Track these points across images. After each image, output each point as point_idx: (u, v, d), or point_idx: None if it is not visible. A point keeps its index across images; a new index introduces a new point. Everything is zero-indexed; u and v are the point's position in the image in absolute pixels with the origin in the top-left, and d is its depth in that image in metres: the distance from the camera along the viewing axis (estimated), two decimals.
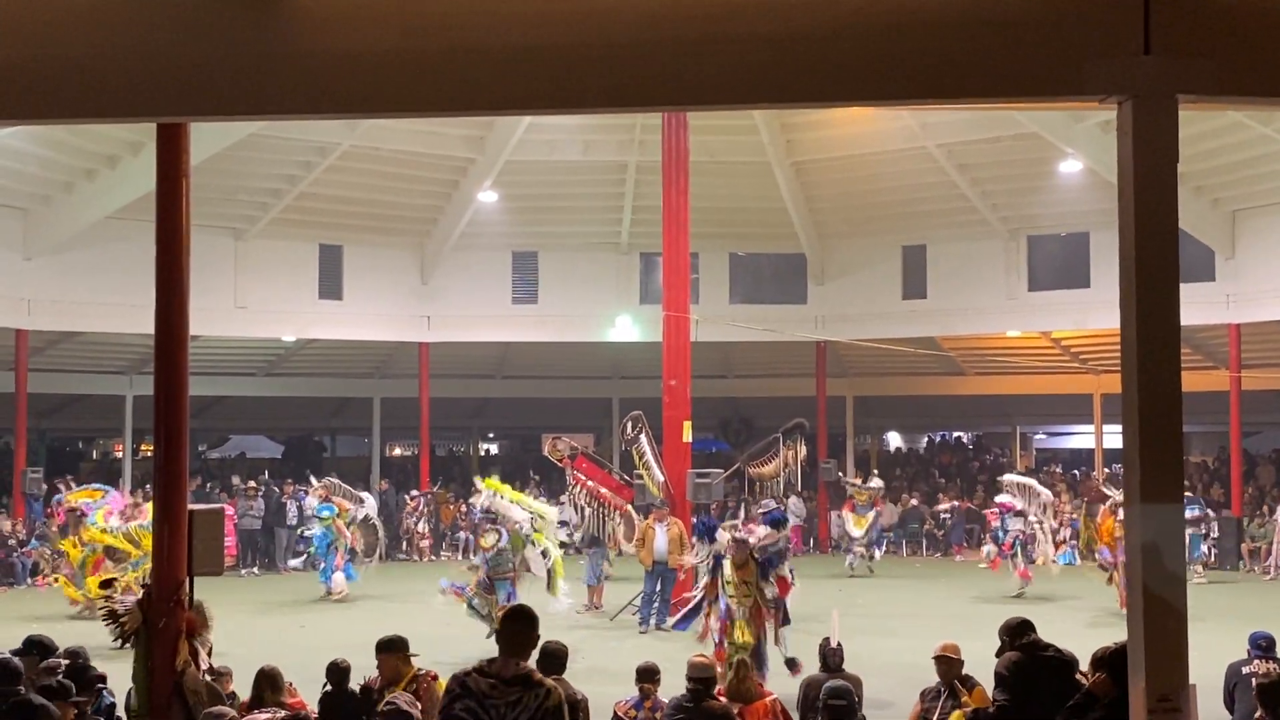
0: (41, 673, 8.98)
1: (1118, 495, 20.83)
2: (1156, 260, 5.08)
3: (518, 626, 6.17)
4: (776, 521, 14.33)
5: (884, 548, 27.17)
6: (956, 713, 8.94)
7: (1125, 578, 19.73)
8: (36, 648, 9.71)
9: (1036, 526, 22.92)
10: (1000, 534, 22.92)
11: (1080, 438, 42.48)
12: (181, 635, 8.91)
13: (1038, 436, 45.95)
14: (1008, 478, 24.52)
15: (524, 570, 16.46)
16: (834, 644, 10.24)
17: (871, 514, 26.35)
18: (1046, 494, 23.92)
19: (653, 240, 25.50)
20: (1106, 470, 33.03)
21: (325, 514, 22.66)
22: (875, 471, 31.18)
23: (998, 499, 23.50)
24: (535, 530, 16.62)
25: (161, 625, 8.86)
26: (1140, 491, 5.10)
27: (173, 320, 9.26)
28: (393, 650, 9.19)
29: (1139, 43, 5.02)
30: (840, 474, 29.79)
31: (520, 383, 36.35)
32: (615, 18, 5.11)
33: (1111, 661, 6.88)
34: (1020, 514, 22.73)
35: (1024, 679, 7.94)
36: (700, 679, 8.66)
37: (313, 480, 26.73)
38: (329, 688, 9.56)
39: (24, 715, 7.60)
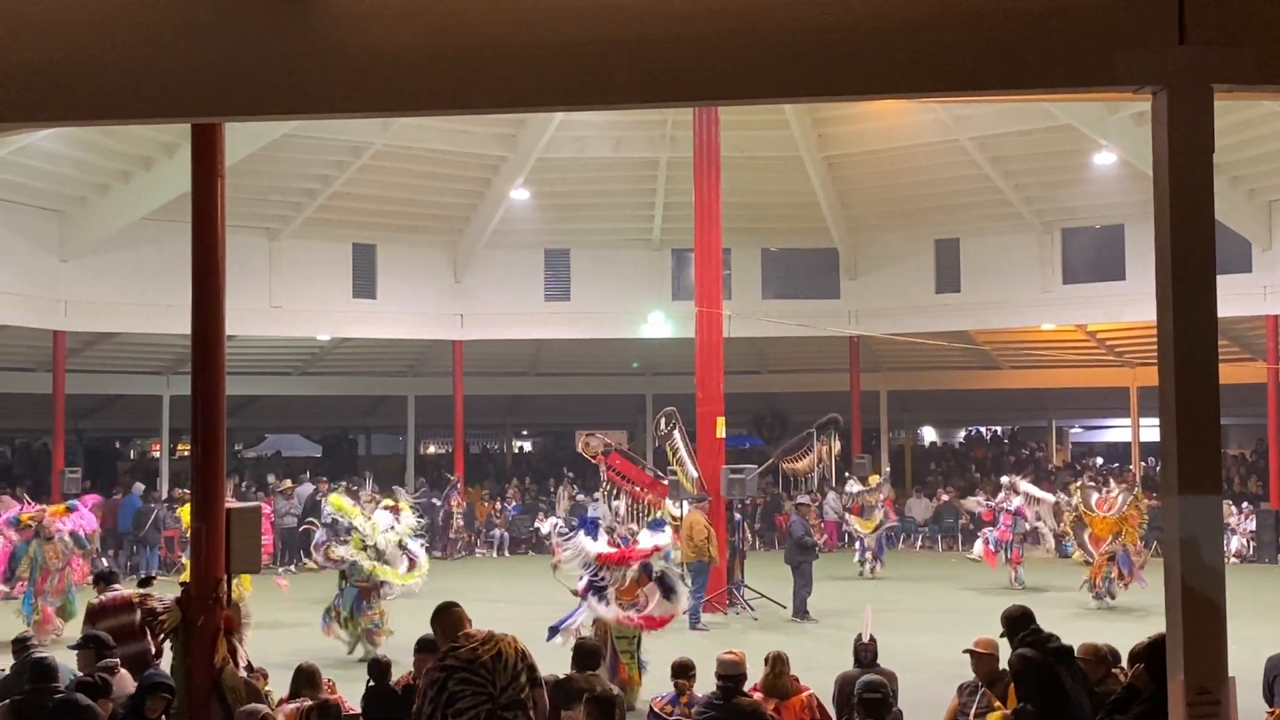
0: (99, 670, 9.05)
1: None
2: (1193, 252, 5.05)
3: (455, 610, 7.15)
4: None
5: (885, 551, 25.83)
6: (994, 715, 8.91)
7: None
8: (94, 643, 9.81)
9: (1039, 524, 23.41)
10: (1009, 544, 23.17)
11: (1117, 431, 42.28)
12: (220, 633, 8.97)
13: (1074, 430, 45.72)
14: (1022, 486, 24.26)
15: (378, 579, 16.66)
16: (866, 639, 10.22)
17: (879, 514, 25.84)
18: (1049, 499, 23.96)
19: (685, 236, 25.49)
20: (1144, 463, 32.88)
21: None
22: (887, 471, 30.87)
23: (1014, 504, 23.42)
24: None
25: (200, 623, 8.92)
26: (1178, 484, 5.07)
27: (209, 320, 9.32)
28: (430, 650, 9.23)
29: (1173, 32, 4.99)
30: (849, 476, 28.92)
31: (553, 380, 36.42)
32: (646, 12, 5.11)
33: (1148, 655, 6.85)
34: (1023, 515, 23.20)
35: (1045, 674, 7.95)
36: (729, 676, 8.65)
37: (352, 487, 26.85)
38: (371, 683, 9.62)
39: (68, 714, 7.63)
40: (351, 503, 17.71)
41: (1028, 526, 23.47)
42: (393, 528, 16.97)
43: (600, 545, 13.94)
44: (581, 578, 13.85)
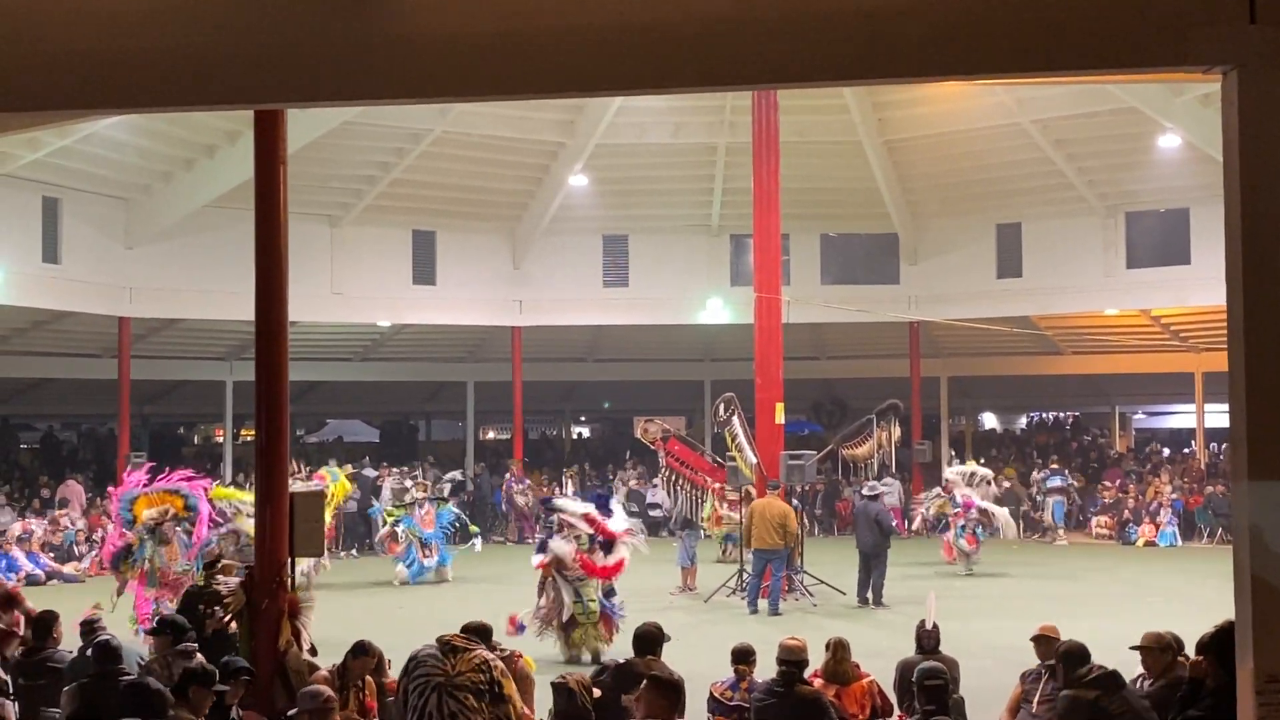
0: (175, 655, 9.13)
1: None
2: (1264, 235, 4.97)
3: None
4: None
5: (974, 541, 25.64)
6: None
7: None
8: (170, 628, 9.89)
9: (990, 504, 23.58)
10: (962, 529, 23.17)
11: (1181, 417, 41.79)
12: (284, 616, 9.06)
13: (1137, 416, 45.24)
14: (951, 473, 24.48)
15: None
16: (929, 625, 10.17)
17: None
18: (984, 471, 24.42)
19: (743, 222, 25.40)
20: (1208, 450, 32.50)
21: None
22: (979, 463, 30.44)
23: (959, 495, 23.37)
24: None
25: (264, 606, 9.02)
26: (1248, 470, 5.00)
27: (272, 306, 9.42)
28: (486, 638, 9.29)
29: (1244, 11, 4.90)
30: (955, 459, 28.72)
31: (612, 366, 36.46)
32: None
33: (1215, 645, 6.76)
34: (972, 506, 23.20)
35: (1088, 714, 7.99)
36: (791, 662, 8.62)
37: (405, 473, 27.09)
38: None
39: (137, 697, 7.68)
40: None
41: (975, 514, 23.28)
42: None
43: (585, 507, 15.74)
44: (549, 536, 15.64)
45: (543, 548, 15.44)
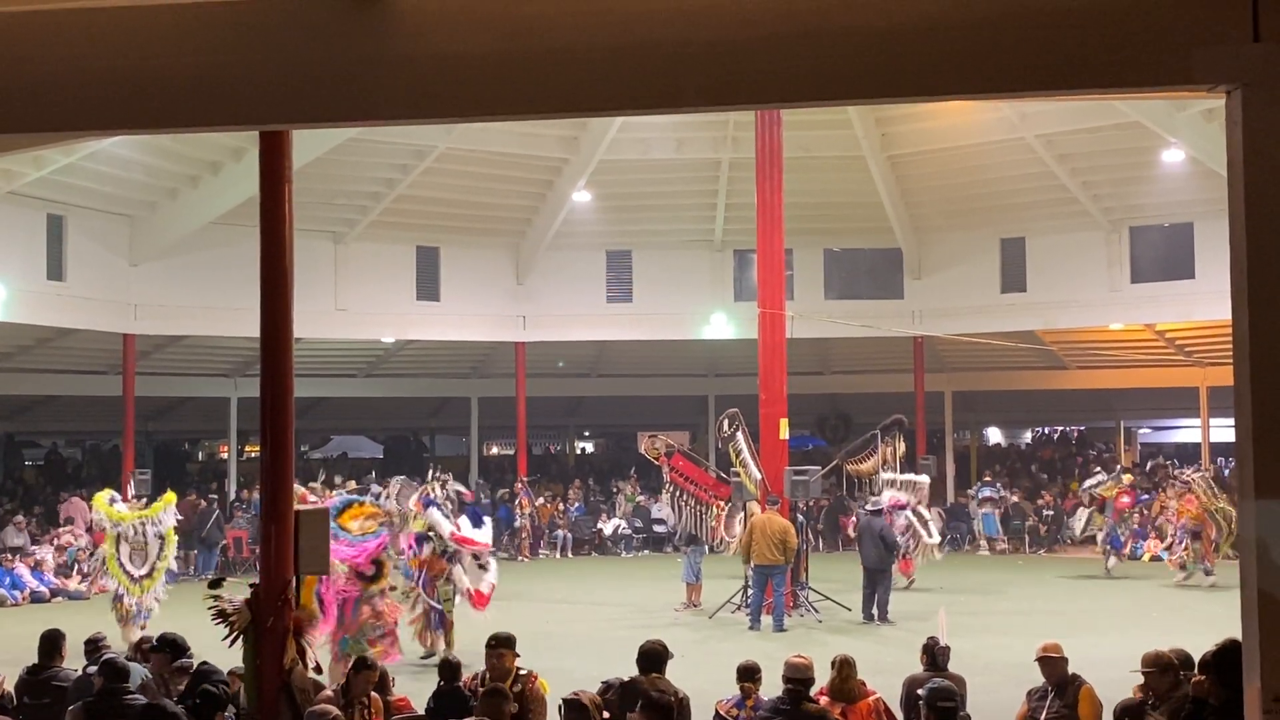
0: (174, 672, 9.13)
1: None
2: (1269, 251, 4.97)
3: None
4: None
5: (1121, 546, 25.63)
6: None
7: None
8: (169, 646, 9.89)
9: (916, 519, 21.93)
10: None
11: (1186, 431, 41.74)
12: (289, 634, 9.05)
13: (1142, 431, 45.18)
14: (885, 475, 22.64)
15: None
16: (943, 643, 10.13)
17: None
18: (924, 480, 23.08)
19: (747, 237, 25.42)
20: (1213, 464, 32.43)
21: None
22: (1117, 467, 30.05)
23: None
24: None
25: (269, 624, 9.00)
26: (1254, 487, 4.99)
27: (277, 323, 9.42)
28: (507, 645, 9.34)
29: (1248, 30, 4.90)
30: (1096, 470, 28.57)
31: (616, 381, 36.45)
32: (713, 15, 5.09)
33: (1217, 663, 6.73)
34: (904, 507, 21.73)
35: None
36: (797, 680, 8.59)
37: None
38: (441, 683, 9.68)
39: None
40: (122, 508, 18.86)
41: (903, 522, 21.63)
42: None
43: (451, 526, 16.46)
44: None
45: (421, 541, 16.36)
